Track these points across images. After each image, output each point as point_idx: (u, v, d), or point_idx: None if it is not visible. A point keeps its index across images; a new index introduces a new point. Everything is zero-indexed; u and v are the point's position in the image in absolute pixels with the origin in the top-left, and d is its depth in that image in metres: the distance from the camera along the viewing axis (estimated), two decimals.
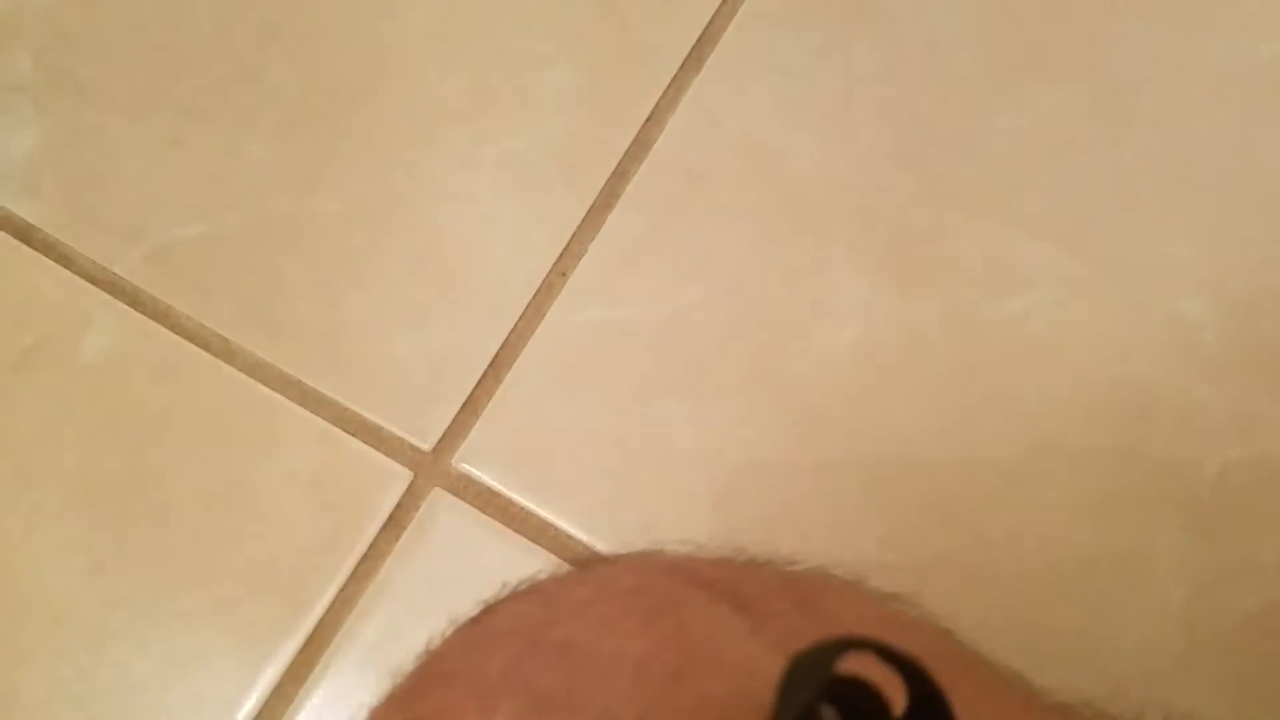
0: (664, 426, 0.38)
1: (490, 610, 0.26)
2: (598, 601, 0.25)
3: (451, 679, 0.24)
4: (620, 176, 0.41)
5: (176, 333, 0.40)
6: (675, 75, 0.42)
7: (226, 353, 0.40)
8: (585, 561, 0.36)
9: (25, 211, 0.42)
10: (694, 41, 0.42)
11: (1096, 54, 0.41)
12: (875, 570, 0.29)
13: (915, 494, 0.37)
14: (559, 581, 0.33)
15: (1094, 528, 0.36)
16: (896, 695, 0.19)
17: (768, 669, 0.22)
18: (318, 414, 0.39)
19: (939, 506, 0.37)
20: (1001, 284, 0.39)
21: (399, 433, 0.38)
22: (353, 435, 0.39)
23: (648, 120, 0.41)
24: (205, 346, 0.40)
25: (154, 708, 0.36)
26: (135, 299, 0.41)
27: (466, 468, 0.38)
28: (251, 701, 0.36)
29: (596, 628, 0.24)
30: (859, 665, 0.18)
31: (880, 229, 0.40)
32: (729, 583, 0.26)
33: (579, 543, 0.37)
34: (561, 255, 0.40)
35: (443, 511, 0.37)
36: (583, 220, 0.41)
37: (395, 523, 0.37)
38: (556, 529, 0.37)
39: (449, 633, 0.25)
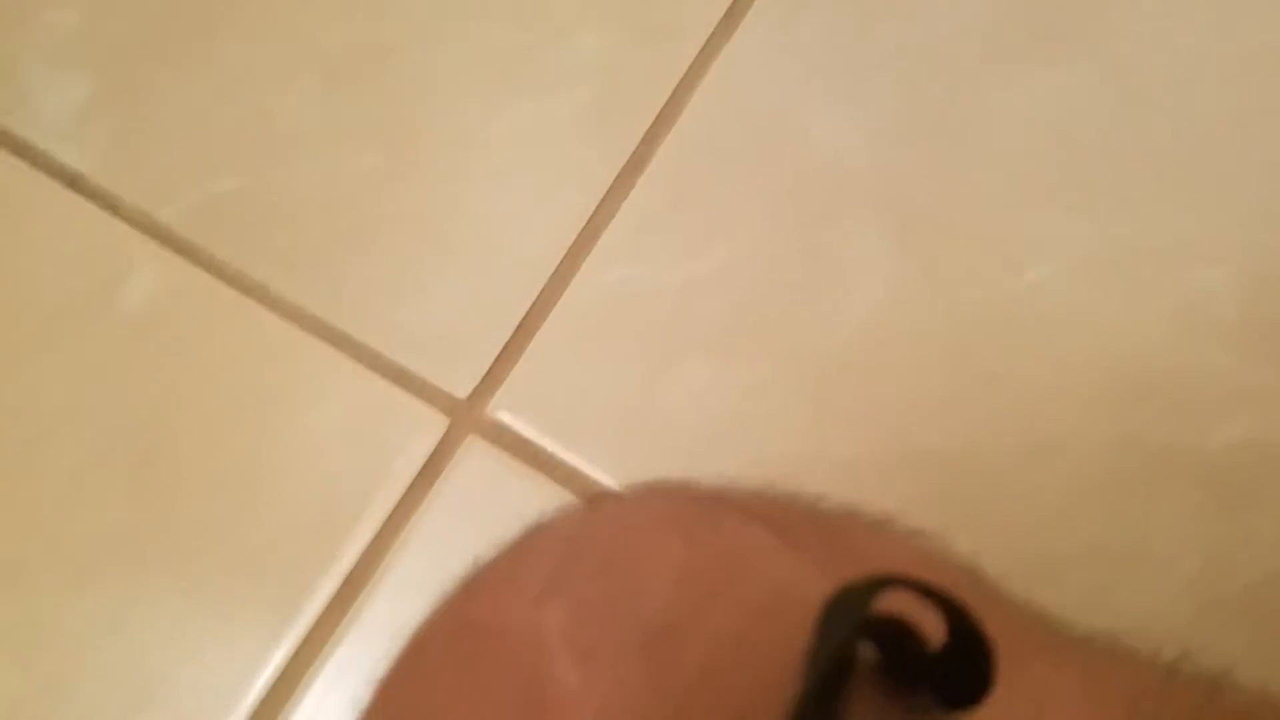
0: (687, 382, 0.40)
1: (533, 529, 0.27)
2: (636, 518, 0.27)
3: (499, 584, 0.25)
4: (649, 142, 0.43)
5: (218, 279, 0.42)
6: (704, 45, 0.44)
7: (267, 300, 0.41)
8: (623, 490, 0.38)
9: (74, 160, 0.43)
10: (722, 15, 0.44)
11: (1111, 28, 0.43)
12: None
13: (933, 455, 0.39)
14: (598, 501, 0.35)
15: (1108, 494, 0.38)
16: (930, 633, 0.20)
17: (802, 581, 0.23)
18: (357, 360, 0.41)
19: (956, 468, 0.39)
20: (1016, 256, 0.41)
21: (435, 381, 0.40)
22: (391, 382, 0.40)
23: (677, 88, 0.43)
24: (247, 293, 0.41)
25: (186, 646, 0.38)
26: (178, 245, 0.42)
27: (500, 415, 0.40)
28: (297, 630, 0.38)
29: (636, 541, 0.25)
30: (895, 603, 0.20)
31: (897, 199, 0.41)
32: (762, 509, 0.28)
33: (606, 488, 0.38)
34: (593, 215, 0.42)
35: (476, 457, 0.39)
36: (613, 183, 0.42)
37: (431, 468, 0.39)
38: (585, 475, 0.39)
39: (494, 549, 0.27)
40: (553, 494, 0.38)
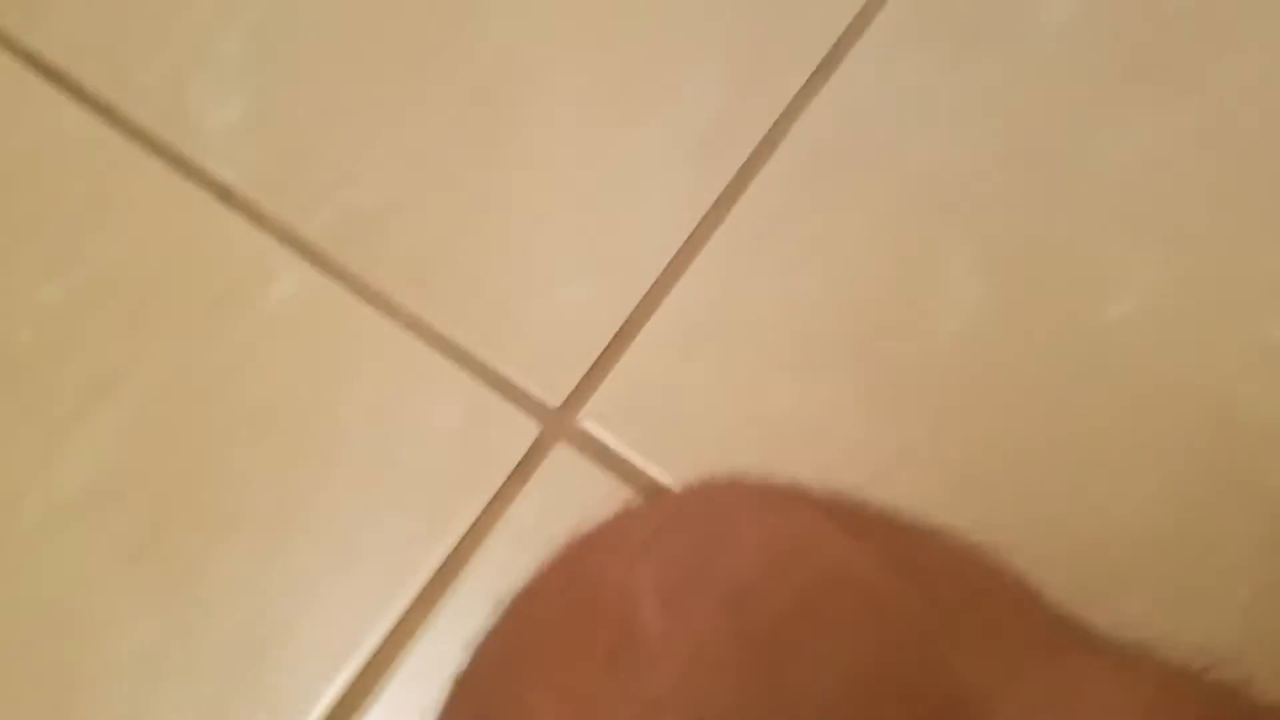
0: (774, 402, 0.42)
1: (629, 508, 0.30)
2: (724, 498, 0.30)
3: (601, 544, 0.28)
4: (752, 166, 0.45)
5: (349, 289, 0.46)
6: (809, 78, 0.45)
7: (389, 309, 0.45)
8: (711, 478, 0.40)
9: (226, 175, 0.48)
10: (830, 47, 0.46)
11: (1204, 77, 0.43)
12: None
13: (1009, 479, 0.40)
14: (688, 489, 0.37)
15: (1170, 520, 0.38)
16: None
17: (861, 563, 0.26)
18: (462, 367, 0.44)
19: (1029, 491, 0.39)
20: (1102, 289, 0.41)
21: (531, 389, 0.43)
22: (491, 389, 0.43)
23: (776, 122, 0.45)
24: (371, 302, 0.45)
25: (309, 606, 0.42)
26: (315, 257, 0.46)
27: (589, 425, 0.42)
28: (395, 609, 0.41)
29: (721, 515, 0.28)
30: None
31: (991, 229, 0.42)
32: (832, 506, 0.30)
33: None
34: (693, 234, 0.44)
35: (564, 464, 0.42)
36: (715, 203, 0.44)
37: (522, 471, 0.42)
38: (664, 487, 0.41)
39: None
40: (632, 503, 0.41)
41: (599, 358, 0.43)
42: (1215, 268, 0.40)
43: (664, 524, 0.28)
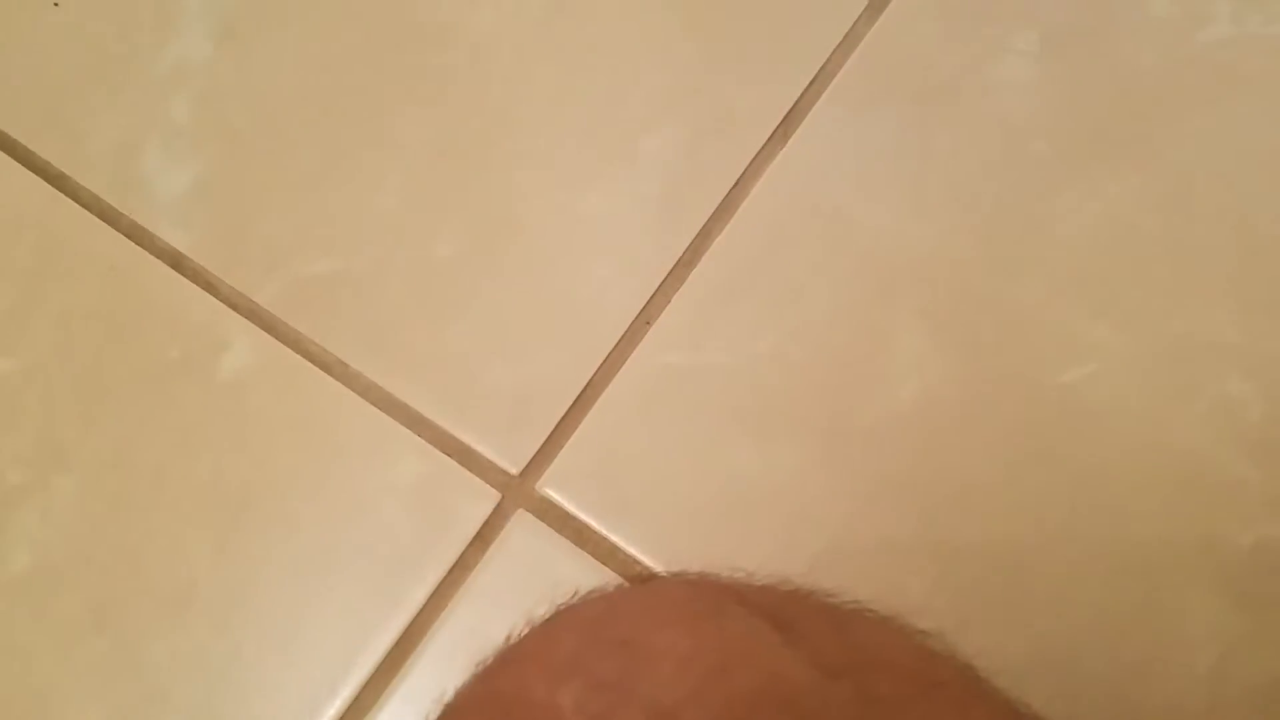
0: (733, 466, 0.42)
1: (562, 610, 0.30)
2: (653, 607, 0.29)
3: (525, 661, 0.28)
4: (706, 234, 0.45)
5: (304, 356, 0.45)
6: (764, 145, 0.46)
7: (345, 375, 0.45)
8: (646, 577, 0.40)
9: (178, 241, 0.47)
10: (789, 107, 0.46)
11: (1163, 142, 0.43)
12: (919, 612, 0.32)
13: (965, 544, 0.40)
14: (621, 590, 0.37)
15: (1132, 588, 0.38)
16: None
17: (794, 673, 0.25)
18: (420, 434, 0.43)
19: (987, 557, 0.39)
20: (1059, 354, 0.41)
21: (491, 456, 0.43)
22: (449, 456, 0.43)
23: (735, 184, 0.45)
24: (327, 370, 0.45)
25: (262, 682, 0.41)
26: (269, 325, 0.46)
27: (549, 492, 0.42)
28: (350, 685, 0.40)
29: (649, 627, 0.27)
30: None
31: (947, 296, 0.43)
32: (770, 604, 0.30)
33: (644, 566, 0.40)
34: (648, 303, 0.44)
35: (524, 531, 0.41)
36: (671, 269, 0.44)
37: (482, 539, 0.42)
38: (625, 553, 0.40)
39: (526, 627, 0.30)
40: (593, 569, 0.40)
41: (559, 423, 0.43)
42: (1174, 329, 0.41)
43: (591, 637, 0.28)
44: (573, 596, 0.32)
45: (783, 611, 0.29)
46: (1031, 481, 0.40)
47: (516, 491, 0.42)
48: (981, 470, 0.40)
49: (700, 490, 0.41)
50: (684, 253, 0.45)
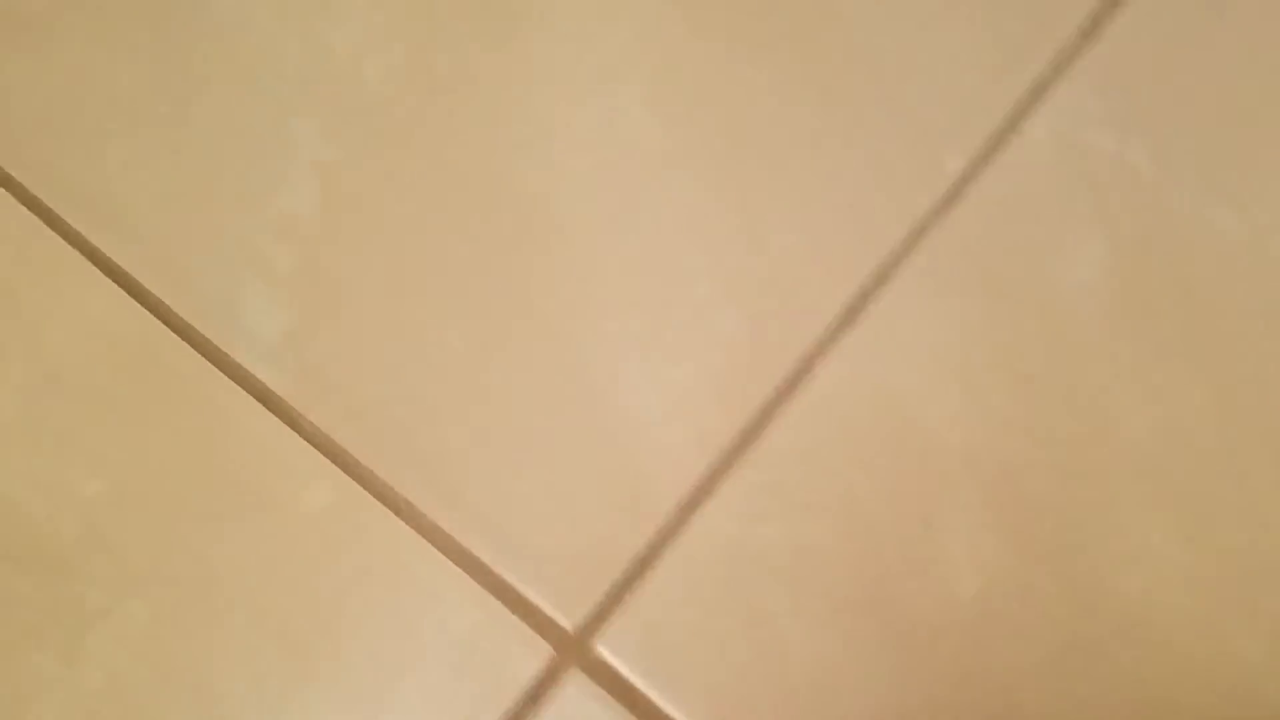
0: (789, 644, 0.43)
1: None
2: None
3: None
4: (768, 414, 0.47)
5: (375, 495, 0.47)
6: (828, 329, 0.48)
7: (412, 517, 0.46)
8: None
9: (269, 379, 0.49)
10: (852, 297, 0.48)
11: (1232, 343, 0.45)
12: None
13: None
14: None
15: None
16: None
17: None
18: (478, 580, 0.45)
19: None
20: (1119, 560, 0.42)
21: (548, 609, 0.44)
22: (506, 605, 0.44)
23: (801, 363, 0.47)
24: (396, 511, 0.47)
25: None
26: (346, 464, 0.48)
27: (604, 652, 0.43)
28: None
29: None
30: None
31: (1008, 492, 0.44)
32: None
33: None
34: (710, 473, 0.46)
35: (576, 691, 0.42)
36: (733, 443, 0.46)
37: (533, 695, 0.43)
38: None
39: None
40: None
41: (617, 581, 0.44)
42: (1235, 541, 0.42)
43: None
44: None
45: None
46: (1085, 686, 0.41)
47: (571, 649, 0.43)
48: (1034, 671, 0.41)
49: (755, 668, 0.42)
50: (748, 426, 0.46)
